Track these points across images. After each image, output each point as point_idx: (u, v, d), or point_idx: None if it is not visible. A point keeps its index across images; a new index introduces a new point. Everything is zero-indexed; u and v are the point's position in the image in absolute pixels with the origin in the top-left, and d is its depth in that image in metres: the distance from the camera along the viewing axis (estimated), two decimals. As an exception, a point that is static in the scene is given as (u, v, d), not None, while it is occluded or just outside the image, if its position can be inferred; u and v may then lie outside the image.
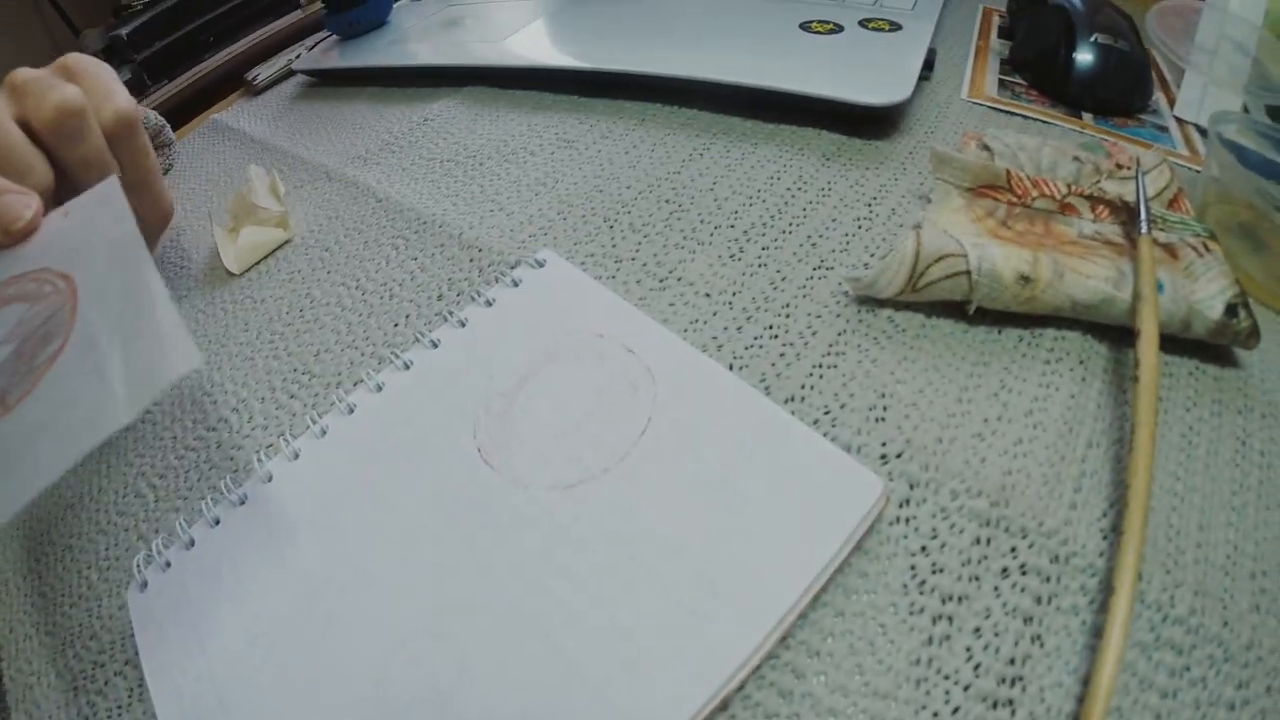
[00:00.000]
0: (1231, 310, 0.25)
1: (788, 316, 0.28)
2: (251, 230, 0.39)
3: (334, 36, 0.66)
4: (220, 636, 0.22)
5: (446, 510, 0.23)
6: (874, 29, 0.43)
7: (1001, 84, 0.44)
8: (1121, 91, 0.43)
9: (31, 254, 0.29)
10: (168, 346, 0.22)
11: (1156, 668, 0.18)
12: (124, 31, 0.99)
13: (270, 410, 0.30)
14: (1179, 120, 0.42)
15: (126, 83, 0.95)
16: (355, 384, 0.29)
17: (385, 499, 0.24)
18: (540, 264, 0.30)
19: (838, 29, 0.43)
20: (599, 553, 0.21)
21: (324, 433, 0.27)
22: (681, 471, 0.22)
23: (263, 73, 0.72)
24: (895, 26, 0.44)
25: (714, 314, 0.28)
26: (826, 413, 0.24)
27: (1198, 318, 0.25)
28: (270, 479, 0.26)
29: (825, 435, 0.22)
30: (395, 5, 0.67)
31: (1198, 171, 0.36)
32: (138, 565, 0.25)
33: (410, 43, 0.59)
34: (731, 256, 0.31)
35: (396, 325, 0.32)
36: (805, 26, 0.44)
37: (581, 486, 0.22)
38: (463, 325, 0.28)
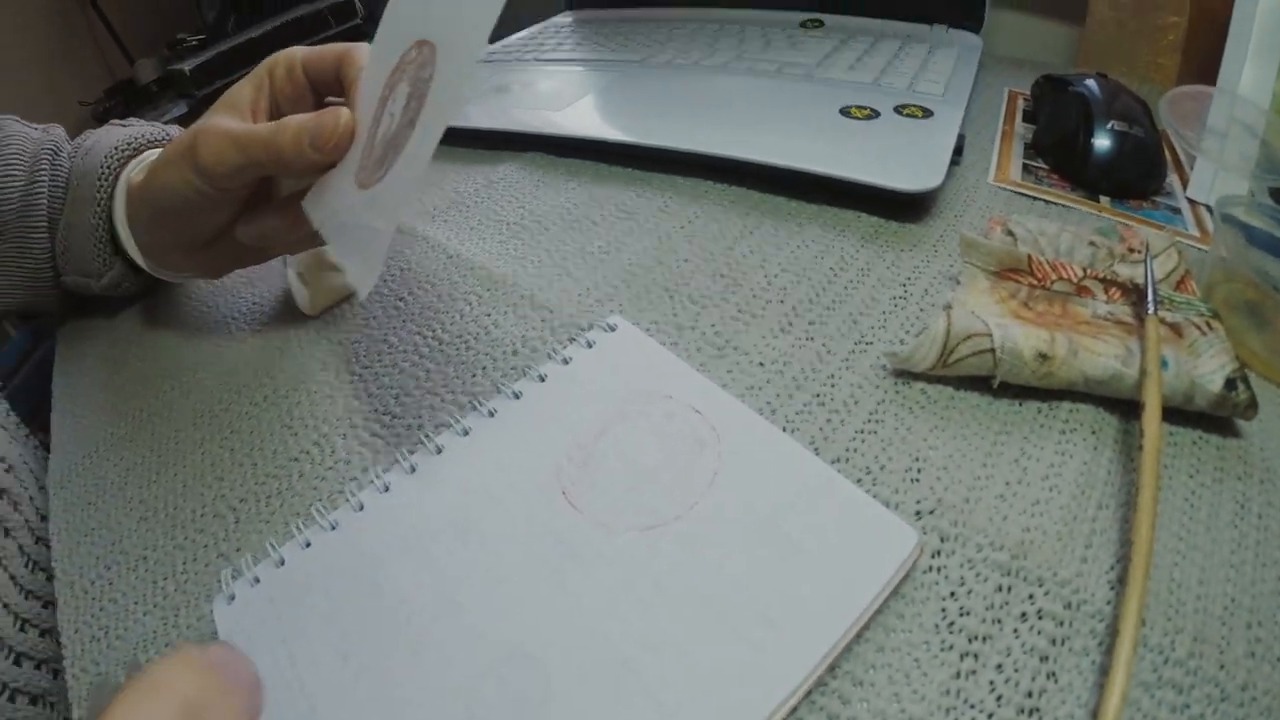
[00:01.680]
0: (1231, 384, 0.28)
1: (833, 386, 0.31)
2: (329, 275, 0.43)
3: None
4: (311, 651, 0.25)
5: (534, 546, 0.26)
6: (908, 115, 0.47)
7: (1025, 168, 0.48)
8: (1137, 175, 0.46)
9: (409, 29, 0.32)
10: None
11: (1159, 705, 0.21)
12: (186, 67, 1.03)
13: (353, 446, 0.33)
14: (1191, 201, 0.46)
15: (184, 116, 1.02)
16: (438, 427, 0.32)
17: (474, 533, 0.27)
18: (611, 328, 0.34)
19: (875, 114, 0.48)
20: (671, 589, 0.24)
21: (413, 469, 0.30)
22: (743, 520, 0.26)
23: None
24: (928, 113, 0.48)
25: (768, 381, 0.32)
26: (868, 473, 0.28)
27: (1200, 391, 0.28)
28: (361, 508, 0.29)
29: (868, 492, 0.26)
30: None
31: (1207, 251, 0.40)
32: (225, 579, 0.27)
33: (470, 105, 0.64)
34: (782, 330, 0.34)
35: (474, 376, 0.35)
36: (845, 111, 0.48)
37: (656, 530, 0.26)
38: (542, 380, 0.32)
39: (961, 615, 0.23)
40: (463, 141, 0.59)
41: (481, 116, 0.60)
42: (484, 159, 0.56)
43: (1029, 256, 0.33)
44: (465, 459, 0.30)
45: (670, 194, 0.46)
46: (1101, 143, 0.46)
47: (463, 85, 0.27)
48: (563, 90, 0.62)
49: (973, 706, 0.21)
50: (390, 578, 0.27)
